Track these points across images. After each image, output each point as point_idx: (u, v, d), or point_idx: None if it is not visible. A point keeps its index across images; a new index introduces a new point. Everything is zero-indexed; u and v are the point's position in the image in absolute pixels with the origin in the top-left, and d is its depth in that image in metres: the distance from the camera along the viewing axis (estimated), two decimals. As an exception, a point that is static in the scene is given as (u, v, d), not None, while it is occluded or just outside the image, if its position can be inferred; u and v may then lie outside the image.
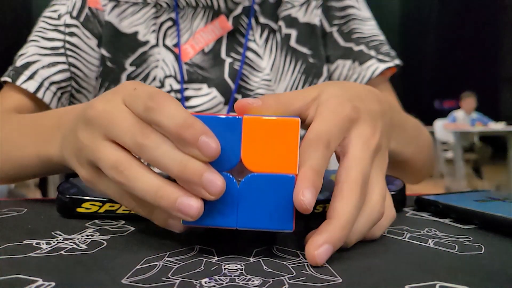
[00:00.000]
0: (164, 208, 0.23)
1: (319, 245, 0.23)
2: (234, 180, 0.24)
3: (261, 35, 0.58)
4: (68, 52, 0.56)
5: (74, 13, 0.57)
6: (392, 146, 0.36)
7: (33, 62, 0.54)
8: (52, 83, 0.54)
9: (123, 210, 0.32)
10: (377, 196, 0.27)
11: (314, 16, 0.60)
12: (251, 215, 0.24)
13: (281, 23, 0.59)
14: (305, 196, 0.23)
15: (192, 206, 0.23)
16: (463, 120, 4.74)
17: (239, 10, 0.57)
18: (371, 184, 0.27)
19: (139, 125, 0.25)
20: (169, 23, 0.57)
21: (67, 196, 0.33)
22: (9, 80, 0.53)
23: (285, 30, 0.59)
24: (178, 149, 0.24)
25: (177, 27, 0.57)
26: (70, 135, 0.30)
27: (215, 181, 0.23)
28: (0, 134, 0.44)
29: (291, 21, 0.59)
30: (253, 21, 0.58)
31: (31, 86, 0.53)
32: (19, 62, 0.55)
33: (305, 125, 0.28)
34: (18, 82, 0.53)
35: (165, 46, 0.57)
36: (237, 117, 0.24)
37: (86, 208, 0.32)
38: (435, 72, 9.84)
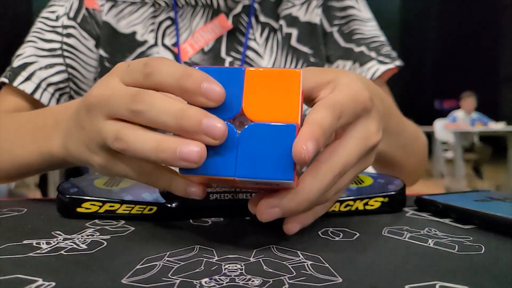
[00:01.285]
0: (167, 161, 0.23)
1: (272, 206, 0.24)
2: (235, 129, 0.24)
3: (261, 34, 0.58)
4: (66, 54, 0.56)
5: (71, 14, 0.57)
6: (380, 147, 0.37)
7: (31, 63, 0.54)
8: (49, 85, 0.55)
9: (123, 210, 0.32)
10: (342, 190, 0.28)
11: (315, 16, 0.60)
12: (250, 165, 0.23)
13: (282, 22, 0.59)
14: (307, 147, 0.22)
15: (193, 150, 0.23)
16: (463, 120, 4.74)
17: (239, 8, 0.57)
18: (343, 176, 0.27)
19: (131, 94, 0.25)
20: (168, 22, 0.57)
21: (67, 196, 0.33)
22: (6, 81, 0.54)
23: (286, 29, 0.59)
24: (173, 103, 0.24)
25: (176, 26, 0.57)
26: (75, 129, 0.30)
27: (216, 124, 0.23)
28: (2, 133, 0.44)
29: (292, 20, 0.59)
30: (253, 19, 0.58)
31: (28, 88, 0.53)
32: (16, 63, 0.55)
33: (312, 104, 0.28)
34: (15, 83, 0.53)
35: (164, 45, 0.57)
36: (240, 68, 0.24)
37: (86, 208, 0.32)
38: (435, 72, 9.85)
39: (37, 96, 0.53)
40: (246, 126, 0.24)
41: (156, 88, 0.25)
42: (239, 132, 0.24)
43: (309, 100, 0.29)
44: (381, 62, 0.59)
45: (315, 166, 0.25)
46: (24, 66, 0.54)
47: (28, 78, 0.53)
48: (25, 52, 0.55)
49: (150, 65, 0.25)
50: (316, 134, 0.23)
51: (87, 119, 0.28)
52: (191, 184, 0.27)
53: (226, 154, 0.23)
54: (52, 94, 0.55)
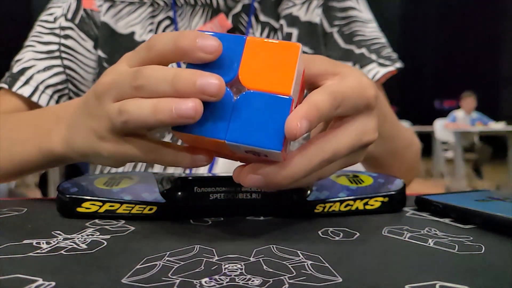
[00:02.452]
0: (165, 120, 0.24)
1: (256, 172, 0.25)
2: (232, 94, 0.24)
3: (261, 34, 0.58)
4: (63, 55, 0.56)
5: (69, 16, 0.57)
6: (372, 149, 0.38)
7: (29, 68, 0.55)
8: (47, 87, 0.55)
9: (123, 210, 0.32)
10: (323, 178, 0.28)
11: (315, 16, 0.60)
12: (241, 130, 0.24)
13: (282, 21, 0.59)
14: (300, 124, 0.23)
15: (188, 106, 0.23)
16: (463, 120, 4.74)
17: (238, 8, 0.57)
18: (330, 165, 0.27)
19: (132, 72, 0.26)
20: (167, 22, 0.57)
21: (67, 196, 0.33)
22: (5, 86, 0.54)
23: (286, 29, 0.58)
24: (167, 70, 0.25)
25: (175, 26, 0.57)
26: (82, 120, 0.31)
27: (210, 81, 0.23)
28: (1, 132, 0.44)
29: (292, 20, 0.59)
30: (253, 19, 0.58)
31: (26, 91, 0.53)
32: (15, 68, 0.55)
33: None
34: (14, 88, 0.54)
35: None
36: (242, 36, 0.25)
37: (86, 208, 0.32)
38: (435, 72, 9.84)
39: (34, 98, 0.54)
40: (242, 94, 0.24)
41: (159, 60, 0.26)
42: (236, 98, 0.24)
43: (314, 87, 0.29)
44: (381, 64, 0.58)
45: (306, 147, 0.26)
46: (22, 71, 0.54)
47: (26, 82, 0.54)
48: (24, 57, 0.55)
49: (152, 40, 0.26)
50: (311, 115, 0.24)
51: (97, 106, 0.29)
52: (196, 152, 0.27)
53: (220, 117, 0.24)
54: (51, 96, 0.55)
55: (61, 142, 0.34)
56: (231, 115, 0.24)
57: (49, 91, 0.55)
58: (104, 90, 0.28)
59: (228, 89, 0.24)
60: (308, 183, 0.28)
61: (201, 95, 0.24)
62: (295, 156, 0.25)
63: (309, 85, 0.29)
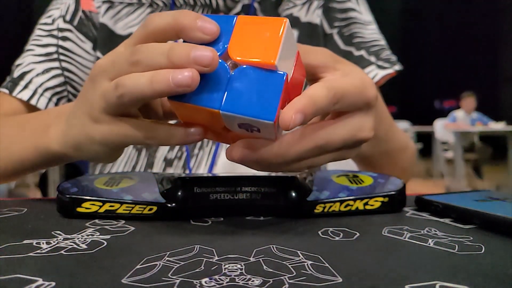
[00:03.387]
0: (163, 90, 0.25)
1: (247, 146, 0.26)
2: (227, 66, 0.25)
3: None
4: (62, 57, 0.56)
5: (68, 17, 0.57)
6: (365, 149, 0.39)
7: (28, 72, 0.55)
8: (46, 89, 0.55)
9: (123, 210, 0.32)
10: (311, 167, 0.29)
11: (316, 16, 0.60)
12: (236, 101, 0.24)
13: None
14: (295, 117, 0.24)
15: (185, 75, 0.24)
16: (463, 120, 4.74)
17: (238, 8, 0.57)
18: (320, 156, 0.28)
19: (130, 50, 0.27)
20: None
21: (67, 196, 0.33)
22: (6, 92, 0.54)
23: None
24: (163, 45, 0.26)
25: None
26: (76, 109, 0.31)
27: (203, 53, 0.24)
28: (1, 132, 0.44)
29: (293, 21, 0.59)
30: None
31: (25, 95, 0.54)
32: (16, 73, 0.55)
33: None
34: (14, 93, 0.54)
35: None
36: (233, 15, 0.26)
37: (86, 208, 0.32)
38: (435, 72, 9.84)
39: (33, 101, 0.54)
40: (239, 67, 0.25)
41: (155, 36, 0.27)
42: (232, 73, 0.25)
43: (314, 78, 0.30)
44: (380, 67, 0.58)
45: (301, 131, 0.26)
46: (22, 75, 0.55)
47: (26, 87, 0.54)
48: (24, 62, 0.56)
49: (148, 18, 0.27)
50: (307, 108, 0.24)
51: (91, 87, 0.29)
52: (188, 127, 0.28)
53: (216, 88, 0.25)
54: (50, 99, 0.55)
55: (57, 137, 0.34)
56: (227, 87, 0.25)
57: (48, 94, 0.55)
58: (100, 71, 0.28)
59: (224, 63, 0.25)
60: (298, 169, 0.28)
61: (195, 66, 0.24)
62: (288, 138, 0.26)
63: (310, 76, 0.30)
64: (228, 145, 0.28)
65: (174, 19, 0.26)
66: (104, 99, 0.28)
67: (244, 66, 0.25)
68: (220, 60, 0.25)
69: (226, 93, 0.25)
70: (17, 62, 0.56)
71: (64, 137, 0.33)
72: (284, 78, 0.24)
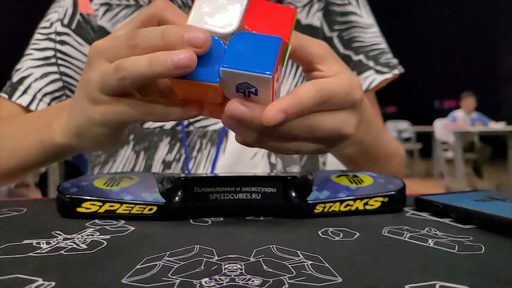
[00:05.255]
0: (162, 72, 0.26)
1: (243, 103, 0.26)
2: (222, 42, 0.26)
3: None
4: (60, 62, 0.56)
5: (66, 21, 0.57)
6: (352, 153, 0.42)
7: (27, 76, 0.55)
8: (45, 94, 0.55)
9: (123, 210, 0.32)
10: (289, 152, 0.30)
11: (316, 19, 0.60)
12: (235, 59, 0.25)
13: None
14: (276, 116, 0.25)
15: (183, 56, 0.25)
16: (463, 120, 4.74)
17: None
18: (300, 142, 0.29)
19: (126, 34, 0.28)
20: None
21: (67, 196, 0.33)
22: (6, 96, 0.55)
23: None
24: (159, 28, 0.27)
25: None
26: (76, 96, 0.32)
27: (196, 35, 0.25)
28: (2, 132, 0.45)
29: None
30: None
31: (24, 101, 0.54)
32: (15, 78, 0.56)
33: (310, 75, 0.32)
34: (14, 98, 0.54)
35: None
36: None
37: (86, 208, 0.32)
38: (435, 72, 9.84)
39: (32, 107, 0.54)
40: (236, 33, 0.26)
41: (156, 19, 0.30)
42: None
43: (308, 69, 0.32)
44: (378, 71, 0.58)
45: (295, 103, 0.27)
46: (21, 80, 0.55)
47: (25, 92, 0.55)
48: (23, 66, 0.56)
49: (133, 35, 0.28)
50: (291, 108, 0.26)
51: (89, 69, 0.30)
52: (185, 103, 0.29)
53: (213, 63, 0.26)
54: (49, 104, 0.55)
55: (60, 128, 0.35)
56: (225, 52, 0.26)
57: (47, 99, 0.55)
58: (97, 52, 0.29)
59: (219, 40, 0.26)
60: (286, 151, 0.29)
61: (187, 47, 0.26)
62: (281, 102, 0.26)
63: (306, 65, 0.32)
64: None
65: (162, 40, 0.27)
66: (102, 80, 0.29)
67: (242, 32, 0.26)
68: (216, 38, 0.26)
69: (224, 56, 0.26)
70: (17, 66, 0.57)
71: (67, 126, 0.34)
72: (281, 41, 0.26)
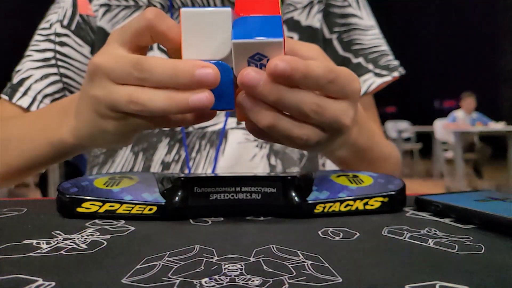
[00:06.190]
0: (183, 112, 0.27)
1: (256, 71, 0.27)
2: (230, 68, 0.27)
3: None
4: (59, 63, 0.56)
5: (65, 22, 0.57)
6: (344, 155, 0.43)
7: (27, 78, 0.55)
8: (45, 96, 0.55)
9: (123, 210, 0.32)
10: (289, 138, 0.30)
11: (316, 21, 0.60)
12: (244, 32, 0.26)
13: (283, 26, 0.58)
14: (279, 64, 0.26)
15: (202, 96, 0.26)
16: (463, 120, 4.74)
17: None
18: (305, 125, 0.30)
19: (131, 61, 0.28)
20: None
21: (67, 196, 0.33)
22: (6, 98, 0.55)
23: (287, 33, 0.58)
24: (167, 64, 0.27)
25: None
26: (82, 103, 0.33)
27: (206, 71, 0.26)
28: (10, 132, 0.45)
29: (294, 24, 0.59)
30: None
31: (25, 102, 0.54)
32: (15, 79, 0.56)
33: None
34: (14, 100, 0.54)
35: (160, 49, 0.57)
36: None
37: (86, 208, 0.32)
38: (435, 72, 9.84)
39: (33, 109, 0.54)
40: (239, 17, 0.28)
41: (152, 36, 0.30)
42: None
43: None
44: (377, 74, 0.58)
45: (304, 62, 0.27)
46: (21, 82, 0.55)
47: (25, 93, 0.55)
48: (23, 68, 0.56)
49: (139, 68, 0.28)
50: (299, 66, 0.26)
51: (92, 85, 0.30)
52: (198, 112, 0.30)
53: (226, 90, 0.28)
54: None
55: (71, 131, 0.36)
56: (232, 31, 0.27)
57: (47, 101, 0.55)
58: (100, 72, 0.29)
59: (224, 64, 0.28)
60: (298, 139, 0.29)
61: (198, 85, 0.26)
62: (291, 58, 0.27)
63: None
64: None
65: (172, 80, 0.27)
66: (113, 103, 0.29)
67: (242, 16, 0.28)
68: (220, 62, 0.27)
69: (233, 29, 0.27)
70: (17, 68, 0.57)
71: (78, 131, 0.35)
72: (280, 17, 0.27)
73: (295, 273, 0.21)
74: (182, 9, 0.27)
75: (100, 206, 0.32)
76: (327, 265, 0.22)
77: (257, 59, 0.26)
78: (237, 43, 0.26)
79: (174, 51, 0.30)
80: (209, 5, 0.57)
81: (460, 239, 0.27)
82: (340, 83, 0.29)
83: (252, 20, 0.27)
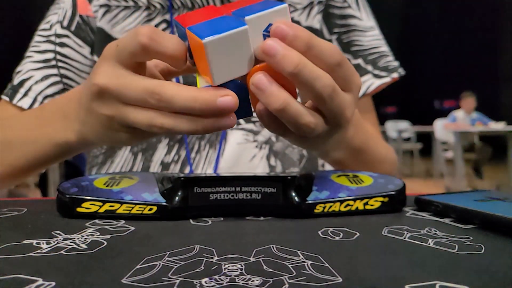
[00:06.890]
0: (209, 132, 0.29)
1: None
2: (244, 85, 0.28)
3: None
4: (60, 64, 0.56)
5: (65, 23, 0.57)
6: (341, 157, 0.44)
7: (27, 79, 0.55)
8: (46, 97, 0.55)
9: (123, 210, 0.32)
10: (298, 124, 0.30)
11: (316, 21, 0.60)
12: (250, 11, 0.28)
13: None
14: (279, 27, 0.27)
15: (228, 122, 0.28)
16: (463, 120, 4.74)
17: None
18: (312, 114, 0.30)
19: (145, 90, 0.28)
20: (163, 25, 0.57)
21: (67, 196, 0.33)
22: (7, 99, 0.55)
23: None
24: (186, 92, 0.27)
25: (171, 29, 0.57)
26: (90, 117, 0.33)
27: (227, 100, 0.27)
28: (11, 133, 0.45)
29: None
30: None
31: (25, 103, 0.54)
32: (16, 80, 0.56)
33: None
34: (15, 101, 0.54)
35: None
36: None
37: (86, 208, 0.32)
38: (435, 72, 9.84)
39: None
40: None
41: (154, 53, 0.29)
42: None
43: None
44: (376, 76, 0.58)
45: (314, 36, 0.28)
46: (22, 83, 0.55)
47: (25, 94, 0.55)
48: (23, 69, 0.56)
49: (158, 98, 0.28)
50: (301, 34, 0.27)
51: (101, 105, 0.31)
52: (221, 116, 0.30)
53: (243, 103, 0.28)
54: None
55: (77, 136, 0.36)
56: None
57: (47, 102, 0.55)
58: (105, 93, 0.30)
59: (242, 84, 0.28)
60: (305, 126, 0.29)
61: (222, 113, 0.27)
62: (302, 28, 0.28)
63: None
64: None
65: (193, 108, 0.27)
66: (125, 121, 0.30)
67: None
68: (238, 82, 0.28)
69: (237, 12, 0.28)
70: (17, 69, 0.57)
71: (87, 136, 0.35)
72: (288, 8, 0.28)
73: (295, 273, 0.21)
74: (204, 41, 0.26)
75: (100, 206, 0.32)
76: (327, 265, 0.22)
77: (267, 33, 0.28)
78: (250, 19, 0.27)
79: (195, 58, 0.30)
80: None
81: (460, 239, 0.27)
82: (346, 69, 0.30)
83: (252, 6, 0.29)
